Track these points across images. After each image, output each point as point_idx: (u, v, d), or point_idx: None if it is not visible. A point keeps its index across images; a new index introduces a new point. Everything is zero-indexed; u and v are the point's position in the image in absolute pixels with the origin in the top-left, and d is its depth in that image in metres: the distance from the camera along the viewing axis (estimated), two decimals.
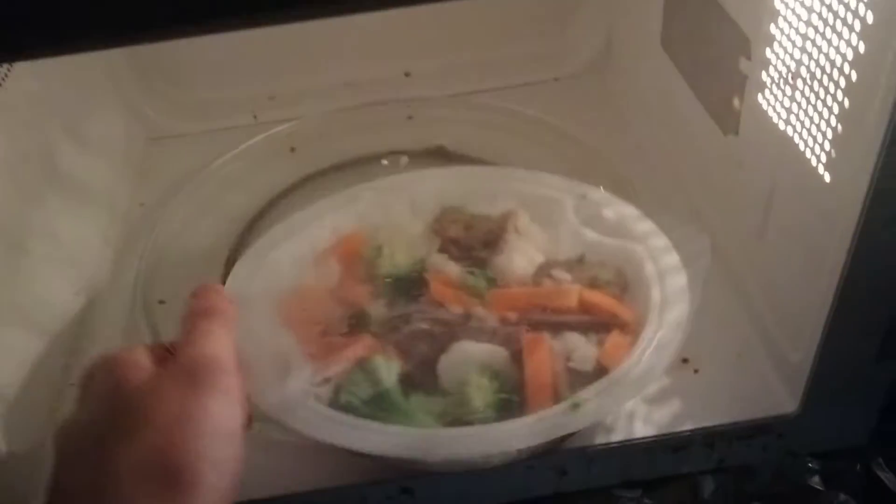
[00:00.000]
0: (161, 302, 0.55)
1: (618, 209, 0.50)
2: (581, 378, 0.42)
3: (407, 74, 0.74)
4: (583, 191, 0.52)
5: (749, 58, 0.45)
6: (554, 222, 0.51)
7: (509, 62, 0.74)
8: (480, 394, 0.41)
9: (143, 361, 0.34)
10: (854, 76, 0.36)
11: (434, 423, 0.41)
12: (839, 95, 0.37)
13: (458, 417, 0.41)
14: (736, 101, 0.48)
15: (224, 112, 0.73)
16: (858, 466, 0.50)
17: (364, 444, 0.39)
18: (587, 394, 0.40)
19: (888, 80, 0.33)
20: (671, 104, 0.58)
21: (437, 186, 0.53)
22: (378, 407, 0.41)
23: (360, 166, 0.64)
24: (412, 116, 0.67)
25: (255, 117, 0.72)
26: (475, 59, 0.74)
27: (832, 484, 0.49)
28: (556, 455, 0.45)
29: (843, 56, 0.36)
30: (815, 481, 0.50)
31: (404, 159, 0.64)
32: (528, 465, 0.45)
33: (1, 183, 0.50)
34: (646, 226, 0.49)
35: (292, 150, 0.66)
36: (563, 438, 0.44)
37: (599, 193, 0.52)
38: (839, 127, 0.38)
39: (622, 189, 0.57)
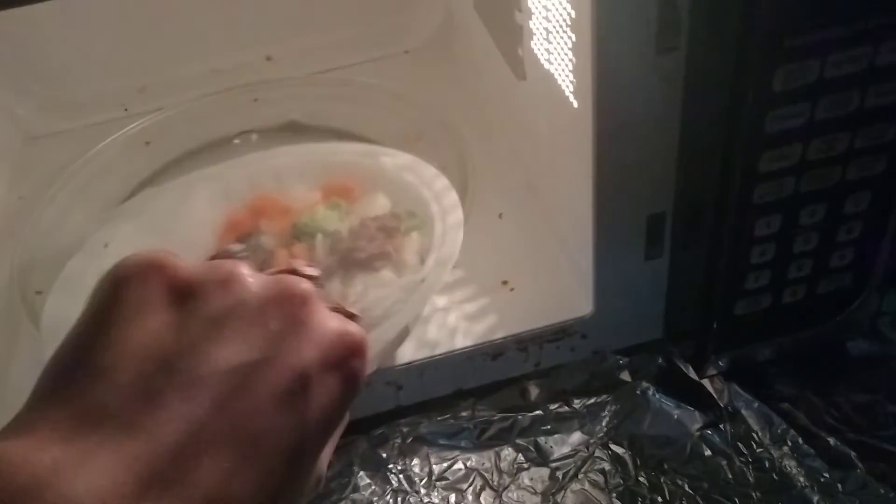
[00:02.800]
0: (38, 293, 0.57)
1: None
2: None
3: (268, 58, 0.80)
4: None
5: (520, 10, 0.52)
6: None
7: (363, 39, 0.80)
8: None
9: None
10: (573, 13, 0.42)
11: None
12: (570, 32, 0.44)
13: None
14: (520, 50, 0.54)
15: (97, 107, 0.77)
16: (660, 358, 0.57)
17: None
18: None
19: (587, 14, 0.40)
20: (488, 61, 0.64)
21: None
22: None
23: (213, 149, 0.69)
24: (257, 98, 0.73)
25: (125, 110, 0.77)
26: (331, 38, 0.80)
27: (638, 376, 0.57)
28: (388, 371, 0.52)
29: None
30: (625, 375, 0.57)
31: (254, 136, 0.69)
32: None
33: None
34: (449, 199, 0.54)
35: (147, 143, 0.71)
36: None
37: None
38: (574, 59, 0.44)
39: (455, 144, 0.64)
